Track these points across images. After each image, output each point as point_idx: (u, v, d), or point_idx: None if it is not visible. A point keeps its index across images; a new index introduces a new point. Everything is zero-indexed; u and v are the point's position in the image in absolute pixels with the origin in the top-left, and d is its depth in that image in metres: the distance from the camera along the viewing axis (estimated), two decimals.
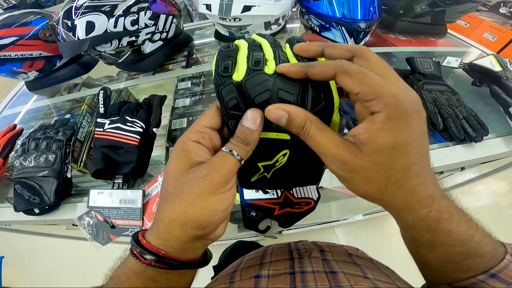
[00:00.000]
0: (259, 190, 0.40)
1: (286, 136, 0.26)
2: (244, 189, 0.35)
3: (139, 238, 0.26)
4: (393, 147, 0.21)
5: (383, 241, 1.50)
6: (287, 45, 0.27)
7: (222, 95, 0.25)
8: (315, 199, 0.47)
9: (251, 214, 0.43)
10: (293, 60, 0.26)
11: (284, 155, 0.28)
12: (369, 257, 0.42)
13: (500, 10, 1.70)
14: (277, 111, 0.23)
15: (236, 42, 0.27)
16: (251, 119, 0.24)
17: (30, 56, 0.84)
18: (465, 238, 0.25)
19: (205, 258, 0.30)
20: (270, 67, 0.25)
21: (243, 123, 0.24)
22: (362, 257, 0.40)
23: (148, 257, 0.25)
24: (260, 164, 0.29)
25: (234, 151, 0.24)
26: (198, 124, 0.26)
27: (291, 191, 0.45)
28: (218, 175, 0.24)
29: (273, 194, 0.44)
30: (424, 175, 0.23)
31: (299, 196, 0.46)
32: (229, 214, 0.27)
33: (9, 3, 3.12)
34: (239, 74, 0.24)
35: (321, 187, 0.48)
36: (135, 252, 0.25)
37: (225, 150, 0.25)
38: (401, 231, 0.29)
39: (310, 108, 0.24)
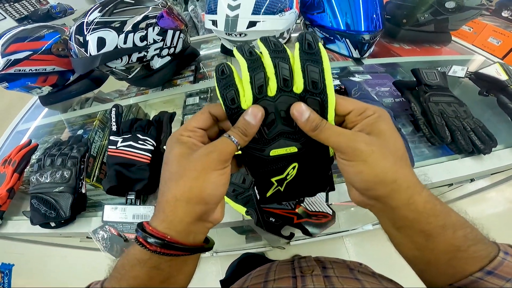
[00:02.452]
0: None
1: (294, 149, 0.30)
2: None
3: (144, 225, 0.27)
4: (390, 132, 0.27)
5: (393, 251, 1.47)
6: (297, 45, 0.28)
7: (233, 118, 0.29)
8: (331, 214, 0.50)
9: (270, 219, 0.45)
10: (298, 71, 0.27)
11: (294, 168, 0.31)
12: (371, 272, 0.42)
13: (503, 14, 1.69)
14: (301, 107, 0.28)
15: (237, 57, 0.28)
16: (251, 114, 0.28)
17: (44, 71, 0.86)
18: (463, 221, 0.28)
19: (207, 244, 0.32)
20: (272, 88, 0.28)
21: (245, 117, 0.28)
22: (364, 272, 0.40)
23: (153, 241, 0.26)
24: (273, 180, 0.32)
25: (233, 138, 0.28)
26: (189, 125, 0.29)
27: (302, 205, 0.48)
28: (220, 154, 0.27)
29: (286, 205, 0.47)
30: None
31: (313, 209, 0.49)
32: (225, 193, 0.29)
33: (21, 13, 3.21)
34: (246, 102, 0.28)
35: (331, 203, 0.50)
36: (140, 239, 0.26)
37: (226, 136, 0.28)
38: (400, 235, 0.30)
39: None
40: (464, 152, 0.60)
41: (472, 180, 0.66)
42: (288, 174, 0.31)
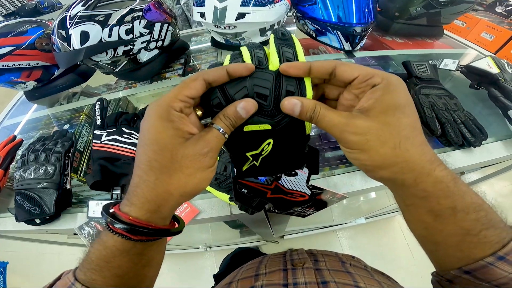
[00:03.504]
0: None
1: (268, 127, 0.29)
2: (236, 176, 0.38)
3: (119, 215, 0.26)
4: (396, 107, 0.25)
5: (386, 244, 1.51)
6: (271, 35, 0.30)
7: (208, 94, 0.28)
8: (308, 194, 0.49)
9: (242, 190, 0.44)
10: (273, 52, 0.28)
11: (269, 144, 0.31)
12: (363, 265, 0.42)
13: (496, 9, 1.69)
14: (292, 100, 0.26)
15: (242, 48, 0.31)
16: (244, 108, 0.27)
17: (27, 66, 0.84)
18: (479, 203, 0.26)
19: (179, 223, 0.32)
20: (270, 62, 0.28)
21: (237, 109, 0.27)
22: (356, 265, 0.40)
23: (139, 231, 0.25)
24: (248, 154, 0.32)
25: (222, 130, 0.27)
26: (181, 93, 0.26)
27: (280, 182, 0.47)
28: (214, 153, 0.27)
29: (264, 181, 0.47)
30: (423, 135, 0.26)
31: (290, 187, 0.48)
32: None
33: (8, 9, 3.14)
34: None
35: (312, 185, 0.49)
36: (119, 231, 0.25)
37: (216, 127, 0.27)
38: (411, 211, 0.29)
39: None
40: (454, 145, 0.60)
41: (462, 173, 0.66)
42: (263, 149, 0.31)
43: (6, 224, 0.65)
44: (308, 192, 0.48)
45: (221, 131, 0.27)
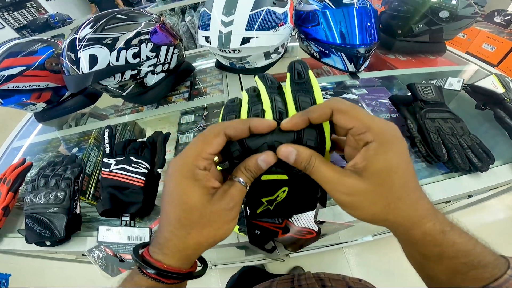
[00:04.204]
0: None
1: (284, 177, 0.30)
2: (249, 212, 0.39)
3: (153, 262, 0.28)
4: (389, 168, 0.25)
5: (394, 260, 1.48)
6: (288, 75, 0.29)
7: (228, 146, 0.29)
8: (316, 230, 0.50)
9: (256, 232, 0.45)
10: (290, 103, 0.28)
11: (284, 191, 0.32)
12: (370, 287, 0.43)
13: (495, 19, 1.70)
14: (287, 149, 0.27)
15: (243, 93, 0.31)
16: (265, 161, 0.28)
17: (37, 88, 0.86)
18: (468, 249, 0.26)
19: (202, 264, 0.34)
20: (268, 118, 0.29)
21: (258, 162, 0.28)
22: None
23: (171, 276, 0.28)
24: (264, 200, 0.33)
25: (241, 180, 0.28)
26: (204, 151, 0.27)
27: (290, 219, 0.48)
28: (238, 207, 0.29)
29: (274, 220, 0.47)
30: (419, 190, 0.27)
31: (299, 225, 0.49)
32: None
33: (20, 23, 3.23)
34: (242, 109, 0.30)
35: (319, 221, 0.50)
36: (153, 275, 0.27)
37: (237, 180, 0.28)
38: (404, 248, 0.30)
39: None
40: (461, 171, 0.60)
41: (470, 196, 0.65)
42: (278, 196, 0.32)
43: (15, 244, 0.66)
44: (316, 228, 0.49)
45: (242, 183, 0.28)
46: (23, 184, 0.72)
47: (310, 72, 0.29)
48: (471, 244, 0.26)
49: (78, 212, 0.63)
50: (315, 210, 0.49)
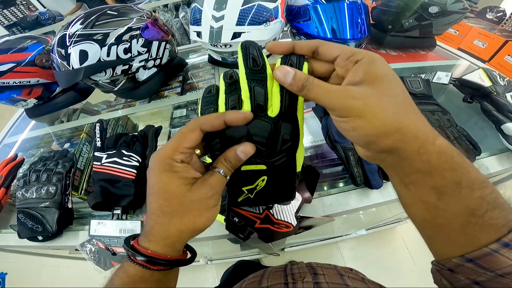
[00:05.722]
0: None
1: (263, 167, 0.32)
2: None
3: (140, 249, 0.29)
4: (386, 77, 0.25)
5: (387, 254, 1.51)
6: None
7: (208, 139, 0.30)
8: (294, 225, 0.51)
9: (234, 219, 0.47)
10: (276, 93, 0.29)
11: (263, 180, 0.33)
12: (361, 277, 0.43)
13: (487, 16, 1.72)
14: (284, 69, 0.27)
15: (220, 82, 0.31)
16: (244, 152, 0.29)
17: (28, 84, 0.85)
18: (483, 179, 0.24)
19: (192, 252, 0.35)
20: (245, 109, 0.29)
21: (237, 152, 0.29)
22: (354, 278, 0.41)
23: (158, 263, 0.29)
24: (244, 189, 0.34)
25: (221, 171, 0.30)
26: (181, 146, 0.28)
27: (271, 211, 0.50)
28: (218, 195, 0.30)
29: (255, 209, 0.49)
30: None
31: (279, 217, 0.51)
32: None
33: (10, 20, 3.17)
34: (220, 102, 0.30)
35: (300, 216, 0.51)
36: (141, 262, 0.29)
37: (217, 171, 0.29)
38: (410, 192, 0.27)
39: (280, 146, 0.30)
40: None
41: None
42: (257, 185, 0.33)
43: (8, 239, 0.66)
44: (294, 223, 0.51)
45: (222, 173, 0.30)
46: (15, 180, 0.72)
47: (305, 63, 0.28)
48: (482, 175, 0.24)
49: (70, 206, 0.64)
50: (298, 204, 0.51)
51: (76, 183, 0.72)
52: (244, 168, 0.32)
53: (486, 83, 0.79)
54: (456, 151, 0.24)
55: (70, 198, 0.64)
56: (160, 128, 0.69)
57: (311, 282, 0.39)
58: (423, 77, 0.76)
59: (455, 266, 0.25)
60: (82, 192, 0.72)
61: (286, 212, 0.51)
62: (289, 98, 0.29)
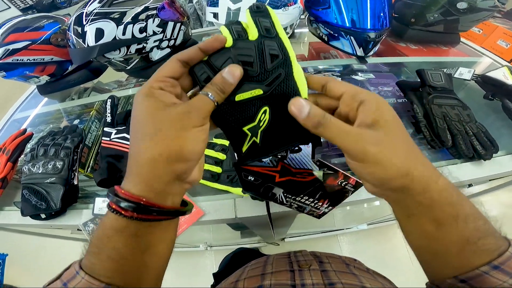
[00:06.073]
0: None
1: (259, 91, 0.29)
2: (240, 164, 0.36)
3: (116, 190, 0.25)
4: (393, 121, 0.27)
5: (386, 250, 1.49)
6: (247, 11, 0.30)
7: (195, 71, 0.29)
8: (316, 171, 0.44)
9: (249, 178, 0.42)
10: (250, 22, 0.29)
11: (265, 112, 0.30)
12: (365, 268, 0.43)
13: None
14: (300, 102, 0.27)
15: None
16: (229, 72, 0.27)
17: (42, 61, 0.85)
18: (477, 212, 0.27)
19: (185, 206, 0.30)
20: (228, 40, 0.29)
21: (223, 74, 0.27)
22: (359, 268, 0.40)
23: (127, 205, 0.24)
24: (245, 129, 0.30)
25: (211, 94, 0.27)
26: (159, 75, 0.27)
27: (285, 161, 0.44)
28: (199, 113, 0.26)
29: (268, 163, 0.43)
30: None
31: (296, 166, 0.44)
32: (204, 149, 0.28)
33: (26, 3, 3.20)
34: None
35: (318, 160, 0.44)
36: (113, 205, 0.24)
37: (202, 93, 0.27)
38: (412, 223, 0.29)
39: (270, 62, 0.28)
40: (465, 157, 0.59)
41: (470, 185, 0.64)
42: (260, 120, 0.30)
43: (11, 217, 0.66)
44: (316, 169, 0.44)
45: (209, 95, 0.27)
46: (23, 155, 0.72)
47: (268, 6, 0.30)
48: (476, 208, 0.27)
49: (76, 183, 0.63)
50: (309, 148, 0.43)
51: (83, 160, 0.71)
52: (238, 97, 0.29)
53: (510, 81, 0.76)
54: (455, 189, 0.27)
55: (76, 174, 0.63)
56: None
57: (317, 270, 0.37)
58: (445, 71, 0.73)
59: (449, 286, 0.27)
60: (89, 169, 0.72)
61: (302, 160, 0.44)
62: (264, 23, 0.29)
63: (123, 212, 0.24)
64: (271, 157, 0.42)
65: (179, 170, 0.26)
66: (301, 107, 0.27)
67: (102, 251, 0.26)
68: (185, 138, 0.25)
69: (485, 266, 0.25)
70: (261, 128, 0.30)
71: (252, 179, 0.40)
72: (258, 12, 0.30)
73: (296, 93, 0.29)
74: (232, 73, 0.27)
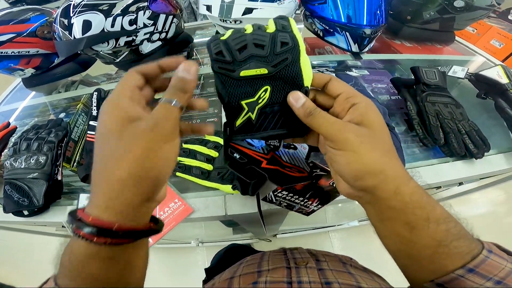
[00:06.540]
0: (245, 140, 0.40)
1: (264, 71, 0.30)
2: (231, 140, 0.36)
3: (81, 216, 0.23)
4: (380, 122, 0.29)
5: (376, 248, 1.48)
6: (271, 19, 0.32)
7: (210, 45, 0.30)
8: (308, 171, 0.44)
9: (234, 155, 0.41)
10: (271, 24, 0.32)
11: (265, 90, 0.31)
12: (362, 267, 0.42)
13: (509, 17, 1.66)
14: (297, 95, 0.30)
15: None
16: (184, 69, 0.26)
17: (27, 54, 0.83)
18: (447, 215, 0.28)
19: (157, 224, 0.29)
20: (248, 28, 0.31)
21: (178, 74, 0.26)
22: (356, 266, 0.40)
23: (98, 232, 0.22)
24: (243, 102, 0.31)
25: (174, 100, 0.25)
26: (126, 84, 0.26)
27: (277, 153, 0.44)
28: (166, 125, 0.25)
29: (259, 149, 0.43)
30: None
31: (287, 160, 0.44)
32: (174, 166, 0.27)
33: None
34: (225, 35, 0.31)
35: (312, 162, 0.44)
36: (81, 233, 0.22)
37: (164, 101, 0.25)
38: (389, 225, 0.29)
39: (280, 47, 0.30)
40: (457, 155, 0.58)
41: (460, 183, 0.64)
42: (259, 97, 0.31)
43: None
44: (308, 168, 0.44)
45: (165, 100, 0.25)
46: (6, 149, 0.69)
47: (290, 18, 0.32)
48: (446, 211, 0.28)
49: (59, 178, 0.60)
50: (306, 150, 0.44)
51: (69, 154, 0.69)
52: (243, 73, 0.30)
53: (504, 80, 0.76)
54: (425, 192, 0.28)
55: (60, 169, 0.61)
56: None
57: (314, 268, 0.37)
58: (439, 69, 0.73)
59: None
60: (75, 164, 0.69)
61: (295, 157, 0.44)
62: (283, 22, 0.31)
63: (95, 240, 0.22)
64: (262, 142, 0.43)
65: (148, 192, 0.24)
66: (298, 98, 0.30)
67: (77, 276, 0.24)
68: (154, 157, 0.24)
69: (460, 269, 0.26)
70: (259, 105, 0.31)
71: (238, 156, 0.40)
72: (280, 18, 0.32)
73: (299, 79, 0.30)
74: (187, 69, 0.26)
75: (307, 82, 0.31)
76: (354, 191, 0.29)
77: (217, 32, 0.29)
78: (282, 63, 0.30)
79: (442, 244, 0.26)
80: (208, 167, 0.52)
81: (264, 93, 0.31)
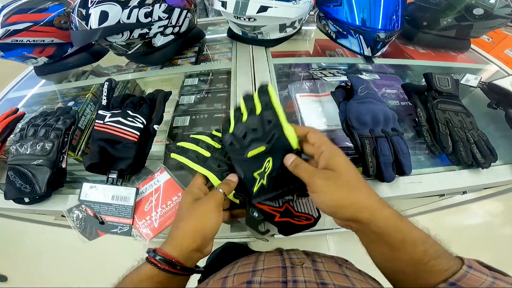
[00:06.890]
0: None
1: (263, 148, 0.41)
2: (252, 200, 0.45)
3: (157, 251, 0.38)
4: (344, 165, 0.36)
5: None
6: (256, 92, 0.47)
7: (224, 140, 0.48)
8: (315, 217, 0.51)
9: (254, 214, 0.47)
10: (256, 100, 0.46)
11: (268, 161, 0.42)
12: (357, 269, 0.43)
13: None
14: (291, 155, 0.40)
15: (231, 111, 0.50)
16: (231, 176, 0.46)
17: (41, 42, 0.84)
18: (424, 237, 0.32)
19: (199, 269, 0.43)
20: (244, 117, 0.46)
21: (228, 177, 0.46)
22: (351, 269, 0.40)
23: (163, 261, 0.37)
24: (255, 174, 0.43)
25: (220, 189, 0.43)
26: (196, 182, 0.47)
27: (291, 204, 0.51)
28: (213, 202, 0.42)
29: (275, 203, 0.50)
30: (369, 187, 0.36)
31: (299, 210, 0.51)
32: (217, 230, 0.42)
33: None
34: (230, 129, 0.48)
35: None
36: (152, 260, 0.37)
37: (215, 189, 0.43)
38: (371, 246, 0.36)
39: (267, 125, 0.42)
40: (463, 164, 0.57)
41: (464, 192, 0.63)
42: (265, 167, 0.41)
43: None
44: (316, 214, 0.51)
45: (220, 190, 0.43)
46: (12, 135, 0.69)
47: (269, 85, 0.46)
48: (423, 233, 0.33)
49: (64, 166, 0.60)
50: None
51: (75, 142, 0.69)
52: (250, 154, 0.42)
53: None
54: (401, 217, 0.33)
55: (65, 157, 0.61)
56: (169, 93, 0.65)
57: (310, 268, 0.37)
58: (453, 76, 0.71)
59: None
60: (79, 153, 0.70)
61: (306, 204, 0.51)
62: (264, 99, 0.44)
63: (159, 265, 0.37)
64: (278, 198, 0.51)
65: (199, 243, 0.39)
66: (288, 158, 0.40)
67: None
68: (205, 220, 0.40)
69: (442, 283, 0.29)
70: (267, 173, 0.41)
71: (256, 215, 0.46)
72: (261, 91, 0.45)
73: (288, 145, 0.41)
74: (232, 177, 0.46)
75: (294, 144, 0.41)
76: (341, 221, 0.36)
77: (225, 121, 0.50)
78: (272, 138, 0.41)
79: (421, 262, 0.30)
80: (205, 153, 0.50)
81: (268, 163, 0.42)
